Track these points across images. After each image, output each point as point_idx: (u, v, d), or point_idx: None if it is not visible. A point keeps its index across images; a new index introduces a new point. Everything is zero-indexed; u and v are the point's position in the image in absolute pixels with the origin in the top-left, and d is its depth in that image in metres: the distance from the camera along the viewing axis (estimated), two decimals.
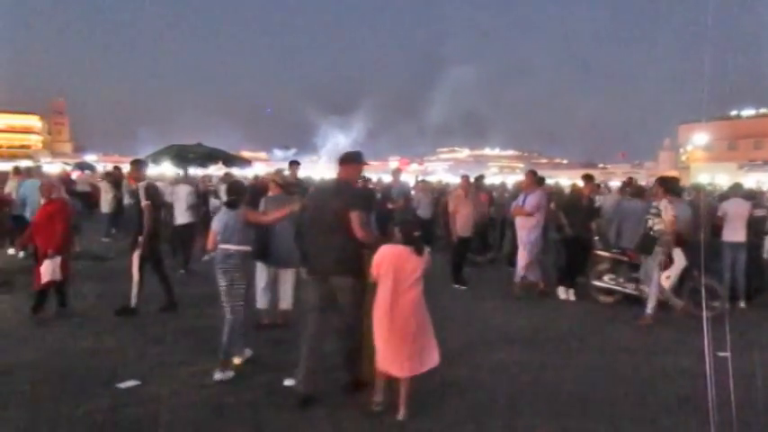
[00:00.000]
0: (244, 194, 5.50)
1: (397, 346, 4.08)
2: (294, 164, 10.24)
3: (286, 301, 6.61)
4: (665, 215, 7.21)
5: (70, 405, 4.27)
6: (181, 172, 17.29)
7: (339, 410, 4.34)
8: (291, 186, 7.29)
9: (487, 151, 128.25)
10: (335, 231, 4.37)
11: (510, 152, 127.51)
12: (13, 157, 43.83)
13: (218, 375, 4.86)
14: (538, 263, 8.95)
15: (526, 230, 8.76)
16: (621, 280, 8.34)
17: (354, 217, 4.33)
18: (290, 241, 6.65)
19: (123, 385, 4.66)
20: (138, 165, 7.39)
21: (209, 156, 17.91)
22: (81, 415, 4.13)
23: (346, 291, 4.42)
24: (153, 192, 7.05)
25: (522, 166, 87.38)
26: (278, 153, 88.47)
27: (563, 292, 8.63)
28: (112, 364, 5.15)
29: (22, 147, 75.10)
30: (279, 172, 7.56)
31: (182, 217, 10.15)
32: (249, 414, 4.23)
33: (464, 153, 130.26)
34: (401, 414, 4.16)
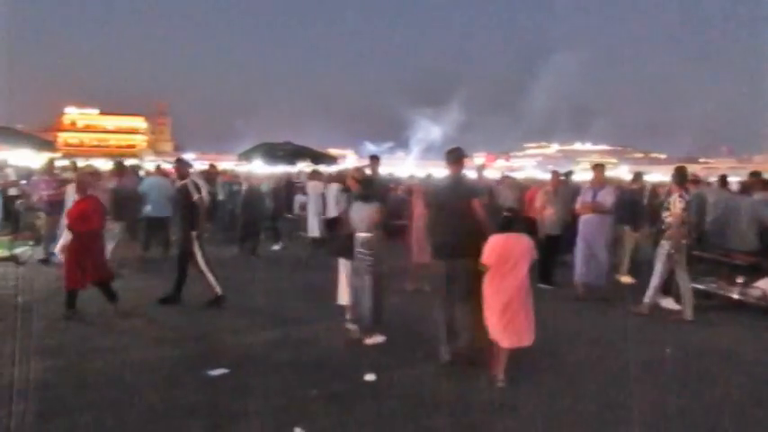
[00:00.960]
0: (377, 190, 6.48)
1: (503, 320, 4.69)
2: (374, 159, 9.57)
3: (368, 297, 6.63)
4: (674, 209, 7.04)
5: (165, 391, 4.51)
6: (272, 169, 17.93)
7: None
8: (367, 184, 7.30)
9: (578, 146, 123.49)
10: (459, 219, 5.07)
11: (602, 147, 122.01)
12: (121, 155, 47.01)
13: (369, 340, 5.76)
14: (601, 263, 8.03)
15: (593, 227, 8.00)
16: (723, 283, 7.77)
17: (477, 204, 5.12)
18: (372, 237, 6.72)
19: (214, 373, 4.87)
20: (181, 163, 7.73)
21: (296, 153, 18.48)
22: (175, 400, 4.34)
23: (468, 271, 4.96)
24: (195, 188, 7.25)
25: (615, 161, 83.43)
26: (370, 147, 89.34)
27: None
28: (203, 352, 5.40)
29: (129, 146, 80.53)
30: (359, 168, 7.60)
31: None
32: (335, 405, 4.29)
33: (553, 148, 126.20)
34: (501, 380, 4.71)
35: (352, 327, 6.00)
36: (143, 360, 5.19)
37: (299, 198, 15.26)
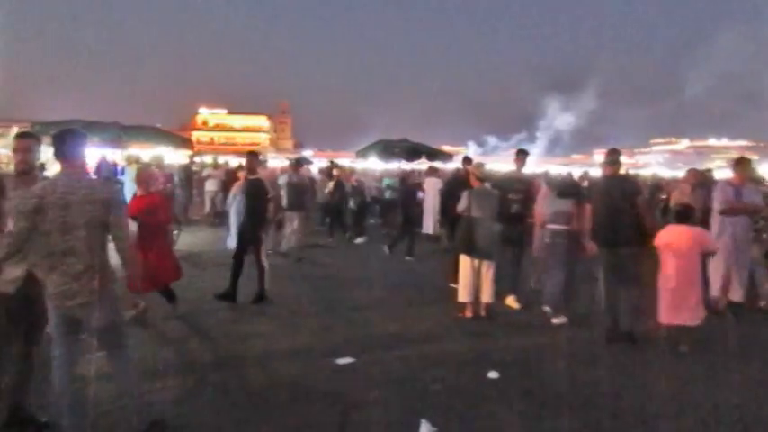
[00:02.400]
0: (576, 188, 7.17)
1: (674, 302, 5.50)
2: (522, 153, 8.82)
3: (487, 294, 6.62)
4: None
5: (300, 377, 4.77)
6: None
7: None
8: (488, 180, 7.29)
9: (712, 142, 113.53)
10: (623, 214, 5.85)
11: (741, 142, 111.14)
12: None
13: (556, 320, 6.43)
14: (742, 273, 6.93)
15: (744, 231, 6.90)
16: None
17: (642, 202, 6.07)
18: (493, 234, 6.68)
19: (341, 361, 5.08)
20: (253, 157, 7.67)
21: (413, 150, 18.65)
22: (308, 386, 4.58)
23: (631, 257, 5.87)
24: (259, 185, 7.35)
25: (756, 158, 75.88)
26: (491, 141, 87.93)
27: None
28: (331, 342, 5.65)
29: (253, 144, 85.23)
30: (479, 165, 7.55)
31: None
32: (459, 400, 4.33)
33: (683, 144, 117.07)
34: (684, 348, 5.51)
35: (547, 309, 6.67)
36: (280, 346, 5.52)
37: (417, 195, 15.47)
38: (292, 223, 10.67)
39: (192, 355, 5.20)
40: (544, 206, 6.93)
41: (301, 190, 10.92)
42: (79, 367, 3.58)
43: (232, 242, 8.60)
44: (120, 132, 14.92)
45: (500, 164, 31.89)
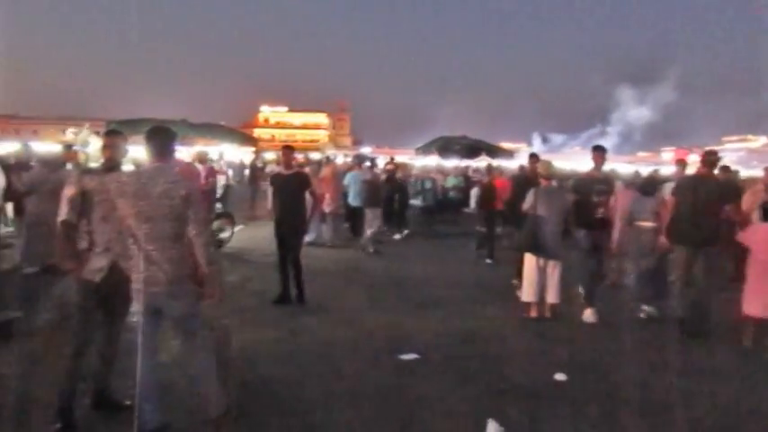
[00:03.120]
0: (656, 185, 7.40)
1: (763, 296, 5.59)
2: (600, 149, 8.49)
3: (553, 294, 6.50)
4: None
5: (364, 371, 4.83)
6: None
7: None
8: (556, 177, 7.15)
9: None
10: (707, 214, 5.98)
11: None
12: (305, 150, 50.64)
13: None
14: None
15: None
16: None
17: (735, 206, 6.29)
18: (559, 233, 6.54)
19: (405, 357, 5.11)
20: (289, 150, 7.43)
21: (472, 147, 18.51)
22: (372, 380, 4.64)
23: (712, 257, 6.15)
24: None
25: None
26: (556, 137, 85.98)
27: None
28: (395, 337, 5.68)
29: (313, 141, 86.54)
30: (546, 163, 7.40)
31: None
32: (526, 401, 4.28)
33: (760, 142, 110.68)
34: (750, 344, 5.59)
35: (648, 308, 6.64)
36: (344, 341, 5.59)
37: (474, 192, 15.32)
38: (368, 219, 11.04)
39: (258, 346, 5.33)
40: (629, 204, 7.11)
41: (376, 187, 11.43)
42: (160, 353, 3.75)
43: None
44: (188, 130, 15.45)
45: (566, 161, 31.19)
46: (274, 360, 5.00)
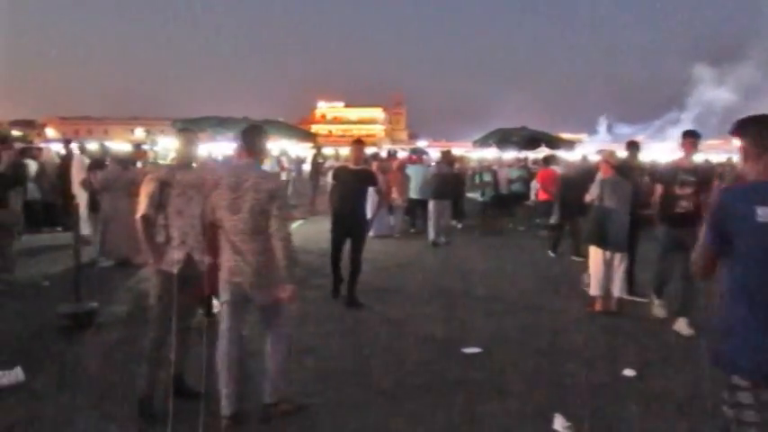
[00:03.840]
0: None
1: None
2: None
3: (618, 288, 6.32)
4: None
5: (428, 364, 4.85)
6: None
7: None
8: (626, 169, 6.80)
9: None
10: None
11: None
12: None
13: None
14: None
15: None
16: None
17: None
18: (626, 225, 6.34)
19: (469, 350, 5.09)
20: (360, 144, 7.25)
21: (532, 139, 18.12)
22: (436, 373, 4.65)
23: None
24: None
25: None
26: (624, 129, 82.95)
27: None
28: (459, 331, 5.67)
29: (369, 136, 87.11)
30: (612, 153, 7.17)
31: None
32: (593, 397, 4.19)
33: None
34: None
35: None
36: (409, 333, 5.62)
37: (534, 185, 15.04)
38: (436, 211, 11.09)
39: (321, 339, 5.41)
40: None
41: (447, 180, 11.52)
42: (242, 341, 3.85)
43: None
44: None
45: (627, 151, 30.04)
46: (338, 352, 5.07)
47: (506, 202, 14.06)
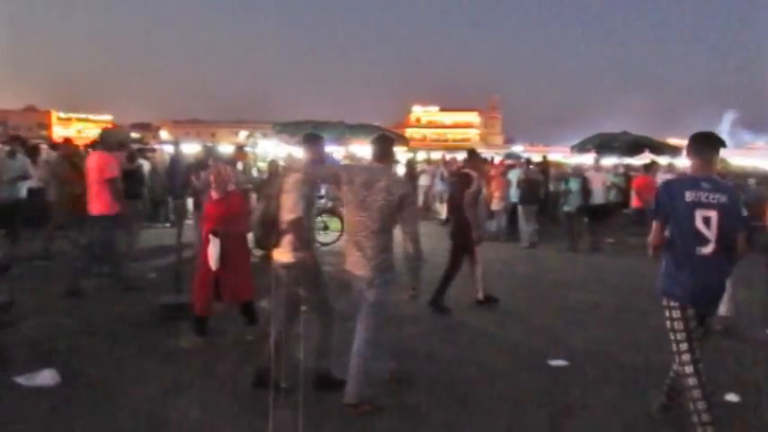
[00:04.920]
0: None
1: None
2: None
3: (723, 307, 5.86)
4: None
5: (512, 375, 4.75)
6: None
7: None
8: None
9: None
10: None
11: None
12: (455, 149, 50.62)
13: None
14: None
15: None
16: None
17: None
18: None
19: (554, 363, 4.94)
20: (474, 156, 7.45)
21: (634, 144, 17.24)
22: (519, 385, 4.55)
23: None
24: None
25: None
26: (746, 136, 76.79)
27: None
28: (544, 342, 5.53)
29: (464, 140, 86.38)
30: (721, 161, 6.68)
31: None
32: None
33: None
34: None
35: None
36: (492, 342, 5.55)
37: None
38: (526, 216, 11.13)
39: (406, 343, 5.42)
40: None
41: (534, 185, 11.53)
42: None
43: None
44: (345, 130, 16.20)
45: (749, 158, 27.95)
46: (425, 356, 5.07)
47: (597, 213, 11.81)
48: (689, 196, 3.33)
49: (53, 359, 4.57)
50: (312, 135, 4.45)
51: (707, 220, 3.30)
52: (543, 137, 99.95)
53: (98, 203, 6.56)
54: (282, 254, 4.04)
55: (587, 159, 20.27)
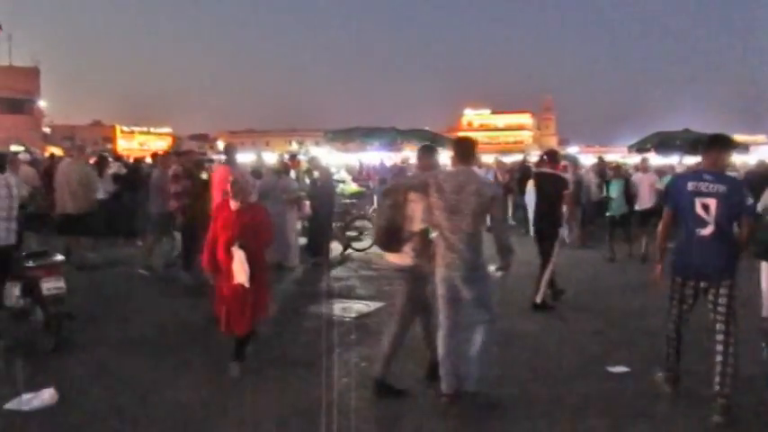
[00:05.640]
0: None
1: None
2: None
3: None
4: None
5: (568, 380, 4.66)
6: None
7: None
8: None
9: None
10: None
11: None
12: (507, 151, 50.00)
13: None
14: None
15: None
16: None
17: None
18: None
19: (615, 369, 4.80)
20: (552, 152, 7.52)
21: (696, 142, 16.58)
22: (576, 390, 4.44)
23: None
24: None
25: None
26: None
27: None
28: (605, 348, 5.39)
29: (516, 143, 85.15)
30: None
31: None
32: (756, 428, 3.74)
33: None
34: None
35: None
36: (550, 347, 5.47)
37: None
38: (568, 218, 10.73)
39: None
40: None
41: (578, 187, 11.24)
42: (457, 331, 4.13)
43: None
44: (396, 136, 16.25)
45: None
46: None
47: (644, 219, 10.24)
48: (690, 186, 3.99)
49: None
50: (428, 147, 4.86)
51: (706, 207, 3.90)
52: (600, 137, 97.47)
53: None
54: (401, 258, 4.27)
55: (653, 159, 19.54)
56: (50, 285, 5.11)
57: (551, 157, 7.55)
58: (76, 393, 4.30)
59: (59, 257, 5.57)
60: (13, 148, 20.84)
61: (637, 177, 10.82)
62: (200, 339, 5.51)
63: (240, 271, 4.47)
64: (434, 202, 3.98)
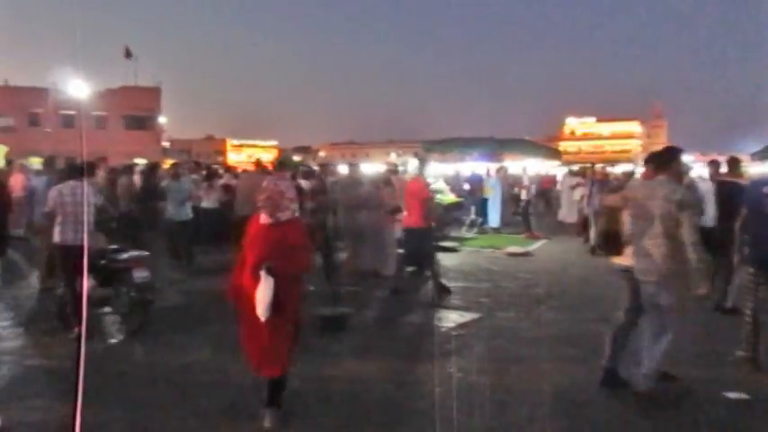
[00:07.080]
0: None
1: None
2: None
3: None
4: None
5: (687, 411, 4.34)
6: None
7: None
8: None
9: None
10: None
11: None
12: (614, 161, 47.72)
13: None
14: None
15: None
16: None
17: None
18: None
19: (732, 395, 4.40)
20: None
21: None
22: (693, 420, 4.14)
23: None
24: None
25: None
26: None
27: None
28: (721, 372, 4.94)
29: (623, 152, 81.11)
30: None
31: None
32: None
33: None
34: None
35: None
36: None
37: None
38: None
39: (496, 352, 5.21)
40: None
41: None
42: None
43: None
44: (495, 146, 16.02)
45: None
46: (492, 386, 4.61)
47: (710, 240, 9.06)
48: (766, 190, 4.65)
49: None
50: (654, 155, 4.85)
51: None
52: (717, 144, 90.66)
53: (414, 218, 7.61)
54: (625, 259, 4.43)
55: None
56: (139, 275, 5.84)
57: (732, 165, 7.04)
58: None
59: (145, 253, 6.32)
60: (137, 161, 22.64)
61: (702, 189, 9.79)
62: None
63: (261, 300, 3.61)
64: (633, 211, 4.26)
